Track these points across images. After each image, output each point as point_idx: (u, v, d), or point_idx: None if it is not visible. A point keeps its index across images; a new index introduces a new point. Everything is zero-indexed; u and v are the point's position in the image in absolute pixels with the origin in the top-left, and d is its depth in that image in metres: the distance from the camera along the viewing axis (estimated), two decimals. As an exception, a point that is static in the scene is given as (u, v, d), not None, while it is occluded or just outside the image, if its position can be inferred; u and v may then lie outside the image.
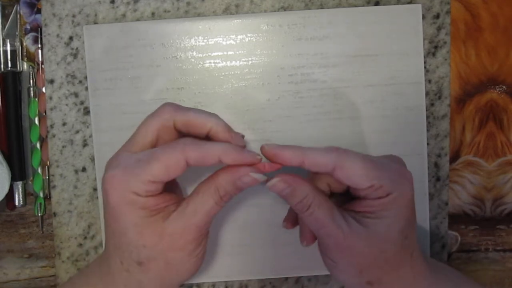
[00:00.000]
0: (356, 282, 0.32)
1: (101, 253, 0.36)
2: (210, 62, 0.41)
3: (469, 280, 0.36)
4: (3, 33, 0.42)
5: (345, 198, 0.33)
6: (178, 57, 0.41)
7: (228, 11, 0.42)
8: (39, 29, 0.42)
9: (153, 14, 0.42)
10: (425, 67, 0.41)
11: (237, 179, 0.31)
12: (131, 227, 0.30)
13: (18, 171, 0.42)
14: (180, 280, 0.33)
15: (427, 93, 0.42)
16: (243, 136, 0.33)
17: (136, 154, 0.31)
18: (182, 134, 0.33)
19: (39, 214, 0.43)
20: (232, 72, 0.41)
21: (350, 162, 0.30)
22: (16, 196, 0.43)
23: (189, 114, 0.32)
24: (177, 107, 0.32)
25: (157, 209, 0.31)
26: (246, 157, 0.31)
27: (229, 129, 0.32)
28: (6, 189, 0.41)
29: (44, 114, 0.42)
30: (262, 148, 0.32)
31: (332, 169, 0.30)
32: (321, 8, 0.41)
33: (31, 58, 0.42)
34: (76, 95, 0.42)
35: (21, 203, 0.43)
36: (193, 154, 0.30)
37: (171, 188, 0.34)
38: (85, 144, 0.42)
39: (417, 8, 0.41)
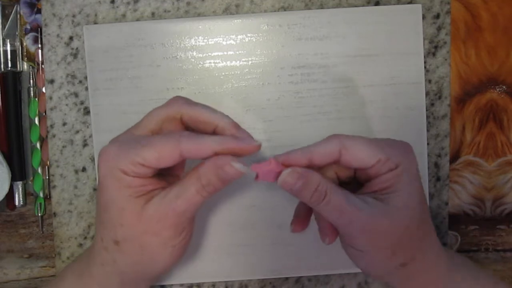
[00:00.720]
0: (390, 267, 0.32)
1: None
2: (210, 62, 0.41)
3: (485, 271, 0.36)
4: (3, 33, 0.42)
5: (355, 187, 0.33)
6: (178, 57, 0.41)
7: (228, 11, 0.42)
8: (39, 29, 0.42)
9: (153, 14, 0.42)
10: (425, 67, 0.41)
11: (219, 167, 0.30)
12: (113, 203, 0.31)
13: (18, 171, 0.42)
14: (155, 270, 0.33)
15: (427, 93, 0.42)
16: (250, 136, 0.32)
17: (137, 136, 0.32)
18: (188, 128, 0.33)
19: (39, 214, 0.43)
20: (232, 72, 0.41)
21: (354, 143, 0.31)
22: (16, 196, 0.43)
23: (197, 109, 0.32)
24: (187, 101, 0.32)
25: (142, 191, 0.31)
26: (242, 146, 0.30)
27: (236, 126, 0.32)
28: (6, 189, 0.41)
29: (44, 114, 0.42)
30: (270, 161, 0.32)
31: (339, 154, 0.30)
32: (321, 8, 0.41)
33: (31, 58, 0.42)
34: (76, 95, 0.42)
35: (21, 203, 0.43)
36: (188, 146, 0.30)
37: (174, 175, 0.34)
38: (85, 144, 0.42)
39: (417, 8, 0.41)
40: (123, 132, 0.33)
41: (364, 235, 0.31)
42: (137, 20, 0.41)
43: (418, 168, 0.32)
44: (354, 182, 0.33)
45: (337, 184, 0.33)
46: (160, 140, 0.30)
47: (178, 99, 0.32)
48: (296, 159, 0.31)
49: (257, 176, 0.31)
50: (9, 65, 0.42)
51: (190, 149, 0.30)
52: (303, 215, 0.35)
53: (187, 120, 0.32)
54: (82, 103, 0.42)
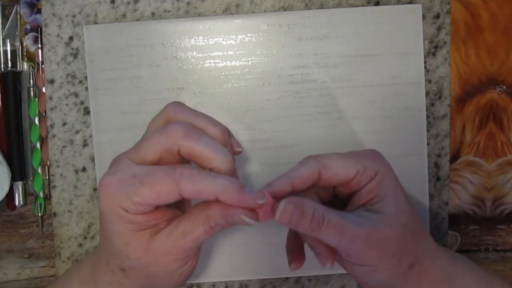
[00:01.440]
0: (398, 272, 0.31)
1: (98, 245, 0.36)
2: (210, 62, 0.41)
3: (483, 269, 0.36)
4: (3, 33, 0.42)
5: (338, 205, 0.33)
6: (178, 57, 0.41)
7: (228, 11, 0.42)
8: (39, 29, 0.42)
9: (153, 14, 0.42)
10: (425, 67, 0.41)
11: (229, 216, 0.30)
12: (117, 236, 0.30)
13: (18, 171, 0.42)
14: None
15: (427, 93, 0.42)
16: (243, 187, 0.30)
17: (135, 167, 0.30)
18: (186, 160, 0.32)
19: (39, 214, 0.43)
20: (232, 72, 0.41)
21: (330, 160, 0.31)
22: (16, 196, 0.43)
23: (196, 146, 0.30)
24: (187, 132, 0.30)
25: (146, 225, 0.30)
26: (246, 199, 0.29)
27: (234, 171, 0.31)
28: (6, 189, 0.41)
29: (44, 114, 0.42)
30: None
31: (318, 174, 0.31)
32: (321, 8, 0.41)
33: (31, 58, 0.42)
34: (76, 95, 0.42)
35: (21, 203, 0.43)
36: (188, 188, 0.29)
37: (180, 208, 0.33)
38: (85, 144, 0.42)
39: (417, 8, 0.41)
40: (123, 155, 0.31)
41: (370, 248, 0.30)
42: (137, 20, 0.41)
43: (393, 169, 0.32)
44: (336, 201, 0.33)
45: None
46: (159, 179, 0.29)
47: (178, 128, 0.30)
48: (279, 188, 0.31)
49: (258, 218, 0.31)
50: (9, 65, 0.42)
51: (190, 192, 0.29)
52: (296, 249, 0.35)
53: (184, 155, 0.30)
54: (82, 103, 0.42)
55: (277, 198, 0.30)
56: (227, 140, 0.32)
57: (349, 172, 0.31)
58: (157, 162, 0.31)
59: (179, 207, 0.33)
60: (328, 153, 0.32)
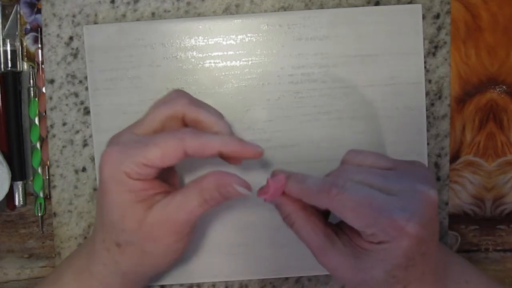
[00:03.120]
0: None
1: (89, 237, 0.37)
2: (210, 62, 0.41)
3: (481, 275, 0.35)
4: (3, 33, 0.42)
5: None
6: (178, 57, 0.41)
7: (228, 11, 0.42)
8: (39, 29, 0.42)
9: (153, 14, 0.42)
10: (425, 67, 0.41)
11: (221, 186, 0.30)
12: (115, 207, 0.31)
13: (18, 171, 0.42)
14: (156, 270, 0.34)
15: (427, 93, 0.42)
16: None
17: (138, 136, 0.31)
18: (189, 127, 0.33)
19: (39, 214, 0.43)
20: (232, 72, 0.41)
21: (342, 206, 0.29)
22: (16, 196, 0.43)
23: (200, 112, 0.32)
24: (190, 101, 0.32)
25: (144, 195, 0.31)
26: (247, 149, 0.31)
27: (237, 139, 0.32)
28: (6, 189, 0.41)
29: (44, 114, 0.42)
30: (272, 172, 0.33)
31: (327, 208, 0.30)
32: (321, 8, 0.41)
33: (31, 58, 0.42)
34: (76, 95, 0.42)
35: (21, 203, 0.43)
36: (192, 144, 0.30)
37: (167, 176, 0.34)
38: (85, 144, 0.42)
39: (417, 8, 0.41)
40: (124, 130, 0.32)
41: (326, 269, 0.32)
42: (137, 20, 0.41)
43: (414, 246, 0.29)
44: None
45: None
46: (164, 139, 0.30)
47: (182, 97, 0.32)
48: (290, 191, 0.32)
49: (265, 197, 0.32)
50: (9, 65, 0.42)
51: (194, 147, 0.30)
52: None
53: (189, 121, 0.32)
54: (82, 103, 0.42)
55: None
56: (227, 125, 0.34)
57: (355, 226, 0.30)
58: (160, 131, 0.32)
59: (169, 182, 0.34)
60: (355, 188, 0.29)
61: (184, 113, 0.32)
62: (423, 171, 0.32)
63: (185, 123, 0.32)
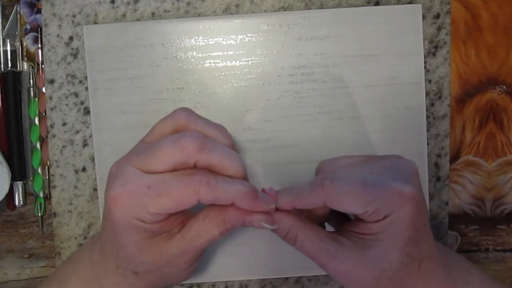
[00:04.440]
0: None
1: (91, 240, 0.36)
2: (210, 62, 0.41)
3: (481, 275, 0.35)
4: (3, 33, 0.42)
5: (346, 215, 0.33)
6: (178, 57, 0.41)
7: (228, 11, 0.42)
8: (39, 29, 0.42)
9: (153, 14, 0.42)
10: (425, 67, 0.41)
11: (247, 221, 0.31)
12: (132, 244, 0.30)
13: (18, 171, 0.42)
14: (170, 285, 0.35)
15: (427, 93, 0.42)
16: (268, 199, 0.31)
17: (146, 176, 0.29)
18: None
19: (39, 214, 0.43)
20: (232, 72, 0.41)
21: (339, 193, 0.29)
22: (16, 196, 0.43)
23: (213, 158, 0.30)
24: (203, 145, 0.30)
25: (161, 231, 0.31)
26: (260, 207, 0.30)
27: (246, 175, 0.32)
28: (6, 189, 0.41)
29: (44, 114, 0.42)
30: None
31: (323, 204, 0.30)
32: (321, 8, 0.41)
33: (31, 58, 0.42)
34: (76, 95, 0.42)
35: (21, 203, 0.43)
36: (207, 197, 0.29)
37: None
38: (85, 144, 0.42)
39: (417, 8, 0.41)
40: (124, 164, 0.30)
41: (340, 279, 0.31)
42: (137, 20, 0.41)
43: (417, 211, 0.29)
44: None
45: (326, 212, 0.32)
46: (177, 189, 0.29)
47: (194, 142, 0.30)
48: (281, 204, 0.31)
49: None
50: (9, 65, 0.42)
51: (210, 200, 0.29)
52: None
53: (202, 166, 0.31)
54: (82, 103, 0.42)
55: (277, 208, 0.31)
56: (235, 147, 0.33)
57: (357, 210, 0.29)
58: (169, 171, 0.30)
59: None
60: (346, 177, 0.30)
61: (196, 160, 0.30)
62: (394, 155, 0.33)
63: (196, 166, 0.31)
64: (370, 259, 0.30)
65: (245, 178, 0.31)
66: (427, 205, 0.32)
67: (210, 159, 0.30)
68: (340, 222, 0.34)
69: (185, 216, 0.32)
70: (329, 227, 0.33)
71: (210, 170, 0.31)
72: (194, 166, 0.31)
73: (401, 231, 0.29)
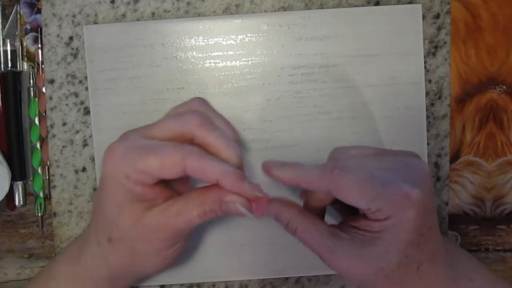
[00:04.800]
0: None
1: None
2: (210, 62, 0.41)
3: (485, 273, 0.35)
4: (3, 33, 0.42)
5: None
6: (178, 57, 0.41)
7: (228, 11, 0.42)
8: (39, 29, 0.42)
9: (153, 14, 0.42)
10: (425, 67, 0.41)
11: (224, 203, 0.31)
12: (113, 203, 0.31)
13: (18, 171, 0.42)
14: (143, 273, 0.34)
15: (427, 93, 0.42)
16: (257, 186, 0.31)
17: (145, 140, 0.31)
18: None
19: (39, 214, 0.43)
20: (232, 72, 0.41)
21: (346, 185, 0.29)
22: (16, 196, 0.43)
23: (210, 136, 0.31)
24: (202, 122, 0.31)
25: (143, 198, 0.31)
26: (244, 189, 0.30)
27: (241, 166, 0.32)
28: (6, 189, 0.41)
29: (44, 114, 0.42)
30: (262, 165, 0.32)
31: (328, 191, 0.30)
32: (321, 8, 0.41)
33: (31, 58, 0.42)
34: (76, 95, 0.42)
35: (21, 203, 0.43)
36: (193, 164, 0.29)
37: (178, 184, 0.34)
38: (85, 144, 0.42)
39: (417, 8, 0.41)
40: (135, 130, 0.32)
41: (339, 272, 0.31)
42: (137, 20, 0.41)
43: (420, 215, 0.29)
44: None
45: (329, 199, 0.32)
46: (166, 151, 0.30)
47: (194, 117, 0.31)
48: (282, 179, 0.31)
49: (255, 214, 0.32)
50: (9, 65, 0.42)
51: (195, 168, 0.29)
52: None
53: (198, 143, 0.31)
54: (82, 103, 0.42)
55: (281, 181, 0.31)
56: (240, 142, 0.34)
57: (361, 205, 0.29)
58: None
59: (178, 189, 0.34)
60: (356, 168, 0.29)
61: (194, 134, 0.31)
62: (409, 151, 0.33)
63: (193, 144, 0.32)
64: (368, 256, 0.30)
65: (239, 167, 0.31)
66: (435, 207, 0.31)
67: (206, 137, 0.31)
68: (346, 212, 0.34)
69: (170, 195, 0.32)
70: (332, 216, 0.33)
71: (206, 151, 0.31)
72: (191, 143, 0.31)
73: (401, 234, 0.29)
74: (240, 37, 0.41)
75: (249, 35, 0.41)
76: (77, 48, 0.41)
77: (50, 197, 0.42)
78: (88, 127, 0.42)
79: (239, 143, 0.34)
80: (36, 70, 0.42)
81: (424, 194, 0.29)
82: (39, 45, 0.42)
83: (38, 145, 0.42)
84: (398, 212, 0.29)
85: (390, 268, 0.29)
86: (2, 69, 0.42)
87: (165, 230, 0.31)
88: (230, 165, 0.30)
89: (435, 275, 0.31)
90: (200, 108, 0.33)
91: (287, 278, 0.43)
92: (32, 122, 0.42)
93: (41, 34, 0.42)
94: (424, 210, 0.29)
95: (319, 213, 0.34)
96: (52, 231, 0.43)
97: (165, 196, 0.32)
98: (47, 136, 0.42)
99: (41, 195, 0.43)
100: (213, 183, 0.30)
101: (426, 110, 0.41)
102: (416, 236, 0.29)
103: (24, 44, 0.42)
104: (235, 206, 0.30)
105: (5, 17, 0.42)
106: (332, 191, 0.30)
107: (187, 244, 0.34)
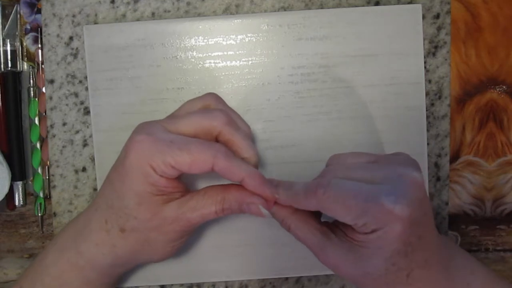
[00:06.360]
0: None
1: (77, 216, 0.36)
2: (210, 62, 0.41)
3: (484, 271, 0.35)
4: (3, 33, 0.42)
5: None
6: (178, 57, 0.41)
7: (228, 11, 0.42)
8: (39, 29, 0.42)
9: (153, 14, 0.42)
10: (425, 67, 0.41)
11: (245, 203, 0.32)
12: (133, 195, 0.31)
13: (18, 171, 0.42)
14: (149, 260, 0.35)
15: (427, 93, 0.42)
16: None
17: (172, 134, 0.32)
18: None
19: (39, 214, 0.43)
20: (232, 72, 0.41)
21: (331, 203, 0.29)
22: (16, 196, 0.43)
23: (235, 135, 0.33)
24: (229, 121, 0.33)
25: (163, 191, 0.32)
26: (265, 191, 0.32)
27: (258, 166, 0.34)
28: (6, 189, 0.41)
29: (44, 114, 0.42)
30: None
31: (317, 209, 0.31)
32: (321, 8, 0.41)
33: (31, 58, 0.42)
34: (76, 95, 0.42)
35: (21, 203, 0.43)
36: (222, 164, 0.31)
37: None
38: (85, 144, 0.42)
39: (417, 8, 0.41)
40: (155, 122, 0.33)
41: (330, 269, 0.32)
42: (137, 20, 0.41)
43: (408, 227, 0.29)
44: None
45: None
46: (198, 148, 0.31)
47: (222, 115, 0.33)
48: (279, 199, 0.32)
49: None
50: (9, 65, 0.42)
51: (223, 167, 0.31)
52: None
53: (222, 140, 0.33)
54: (82, 103, 0.42)
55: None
56: (252, 137, 0.36)
57: (347, 221, 0.30)
58: (191, 137, 0.32)
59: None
60: (342, 185, 0.30)
61: (220, 131, 0.32)
62: (405, 157, 0.33)
63: (217, 139, 0.33)
64: (354, 260, 0.30)
65: (257, 166, 0.34)
66: (430, 215, 0.31)
67: (232, 135, 0.32)
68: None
69: (186, 188, 0.33)
70: None
71: (227, 147, 0.32)
72: (215, 139, 0.33)
73: (387, 245, 0.29)
74: (240, 37, 0.41)
75: (249, 35, 0.41)
76: (77, 48, 0.41)
77: (50, 197, 0.42)
78: (88, 127, 0.42)
79: (251, 134, 0.36)
80: (36, 70, 0.42)
81: (411, 207, 0.29)
82: (39, 45, 0.42)
83: (38, 145, 0.42)
84: (383, 226, 0.29)
85: (376, 273, 0.30)
86: (2, 69, 0.42)
87: (181, 223, 0.32)
88: (253, 167, 0.32)
89: (428, 282, 0.31)
90: (219, 105, 0.35)
91: (287, 278, 0.43)
92: (32, 122, 0.42)
93: (41, 34, 0.42)
94: (411, 222, 0.29)
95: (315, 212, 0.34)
96: (52, 231, 0.43)
97: (181, 190, 0.33)
98: (47, 136, 0.42)
99: (41, 195, 0.43)
100: (234, 182, 0.32)
101: (426, 110, 0.41)
102: (402, 246, 0.29)
103: (24, 44, 0.42)
104: (256, 207, 0.32)
105: (5, 17, 0.42)
106: (320, 209, 0.30)
107: (190, 235, 0.35)
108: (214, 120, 0.32)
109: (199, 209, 0.32)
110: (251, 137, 0.35)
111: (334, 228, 0.33)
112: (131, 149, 0.31)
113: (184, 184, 0.33)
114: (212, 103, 0.35)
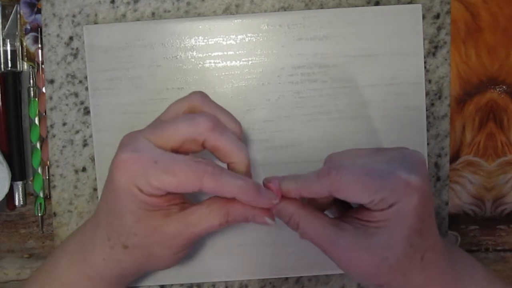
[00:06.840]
0: (366, 285, 0.32)
1: (85, 223, 0.36)
2: (210, 62, 0.41)
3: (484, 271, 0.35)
4: (3, 33, 0.42)
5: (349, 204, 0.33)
6: (178, 57, 0.41)
7: (228, 11, 0.42)
8: (39, 29, 0.42)
9: (153, 14, 0.42)
10: (425, 67, 0.41)
11: (251, 216, 0.31)
12: (129, 214, 0.31)
13: (18, 171, 0.42)
14: (156, 269, 0.35)
15: (427, 93, 0.42)
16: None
17: (157, 150, 0.30)
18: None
19: (39, 214, 0.43)
20: (232, 72, 0.41)
21: (345, 183, 0.29)
22: (16, 196, 0.43)
23: (221, 140, 0.31)
24: (214, 126, 0.31)
25: (158, 207, 0.31)
26: (262, 202, 0.31)
27: (249, 168, 0.33)
28: (6, 189, 0.41)
29: (44, 114, 0.42)
30: (263, 181, 0.32)
31: (329, 193, 0.30)
32: (321, 8, 0.41)
33: (31, 58, 0.42)
34: (76, 95, 0.42)
35: (21, 203, 0.43)
36: (209, 185, 0.30)
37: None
38: (85, 144, 0.42)
39: (417, 8, 0.41)
40: (140, 134, 0.31)
41: (341, 265, 0.31)
42: (137, 20, 0.41)
43: (422, 201, 0.29)
44: None
45: (330, 199, 0.33)
46: (183, 170, 0.29)
47: (207, 121, 0.31)
48: (286, 190, 0.31)
49: None
50: (9, 65, 0.42)
51: (211, 189, 0.30)
52: None
53: (209, 147, 0.32)
54: (82, 103, 0.42)
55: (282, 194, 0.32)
56: (241, 136, 0.34)
57: (363, 200, 0.29)
58: (177, 148, 0.31)
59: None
60: (353, 166, 0.30)
61: (206, 139, 0.31)
62: (402, 147, 0.33)
63: (204, 146, 0.32)
64: (372, 246, 0.30)
65: (248, 169, 0.32)
66: (433, 197, 0.32)
67: (218, 141, 0.31)
68: (341, 211, 0.34)
69: (184, 200, 0.32)
70: (330, 213, 0.34)
71: (215, 153, 0.32)
72: (202, 146, 0.32)
73: (406, 220, 0.29)
74: (240, 37, 0.41)
75: (249, 35, 0.41)
76: (77, 48, 0.41)
77: (50, 197, 0.42)
78: (88, 127, 0.42)
79: (242, 135, 0.34)
80: (36, 70, 0.42)
81: (423, 180, 0.30)
82: (39, 45, 0.42)
83: (38, 145, 0.42)
84: (401, 199, 0.29)
85: (394, 257, 0.29)
86: (2, 69, 0.42)
87: (184, 237, 0.31)
88: (242, 178, 0.31)
89: (438, 267, 0.31)
90: (204, 104, 0.33)
91: (287, 278, 0.43)
92: (32, 122, 0.42)
93: (41, 34, 0.42)
94: (424, 195, 0.29)
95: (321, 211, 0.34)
96: (52, 231, 0.43)
97: (179, 201, 0.32)
98: (47, 136, 0.42)
99: (41, 195, 0.43)
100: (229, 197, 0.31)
101: (426, 110, 0.41)
102: (418, 222, 0.29)
103: (24, 44, 0.42)
104: (261, 218, 0.31)
105: (5, 17, 0.42)
106: (333, 191, 0.30)
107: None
108: (197, 128, 0.31)
109: (203, 223, 0.31)
110: (241, 136, 0.34)
111: (345, 218, 0.32)
112: (117, 170, 0.30)
113: (181, 197, 0.32)
114: (198, 104, 0.33)
